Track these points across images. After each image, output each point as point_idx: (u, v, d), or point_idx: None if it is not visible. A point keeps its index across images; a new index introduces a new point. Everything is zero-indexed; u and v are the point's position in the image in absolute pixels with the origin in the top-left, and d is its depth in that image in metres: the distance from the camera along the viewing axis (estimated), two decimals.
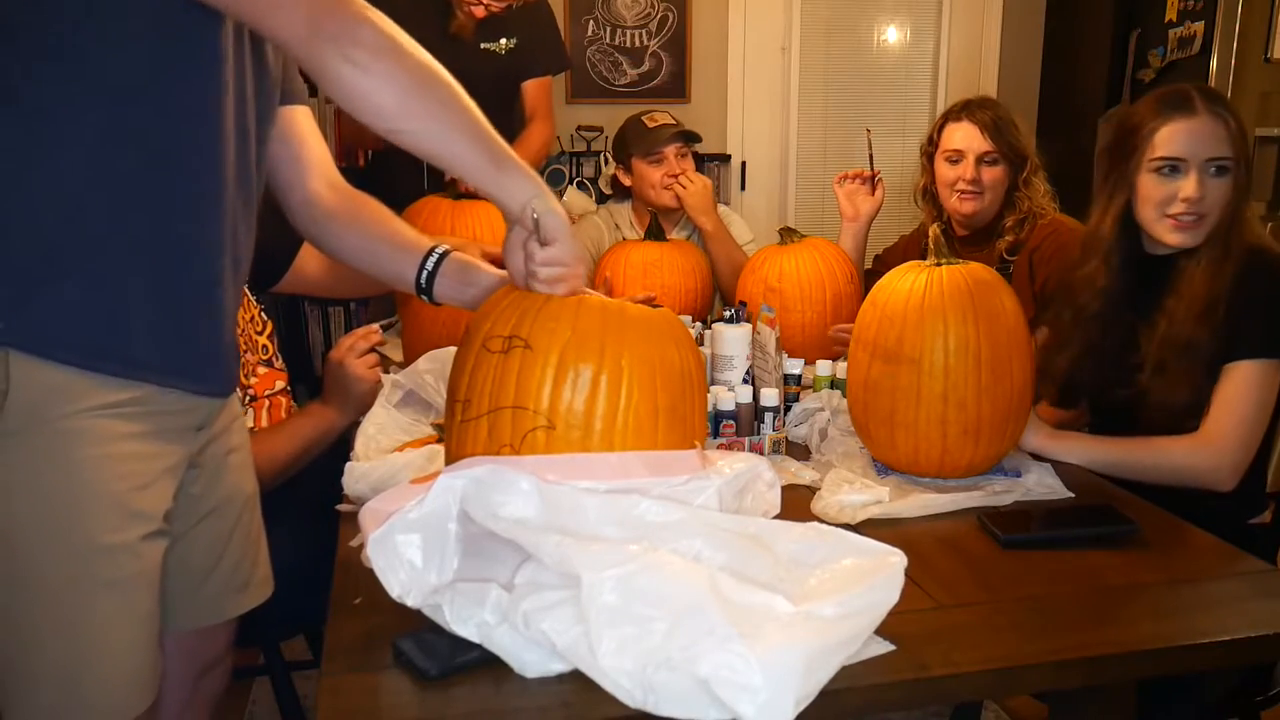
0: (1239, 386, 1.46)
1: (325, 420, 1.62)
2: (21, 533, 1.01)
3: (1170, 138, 1.51)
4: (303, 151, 1.31)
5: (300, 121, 1.32)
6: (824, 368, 1.78)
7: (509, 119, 2.75)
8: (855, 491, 1.35)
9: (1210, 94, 1.54)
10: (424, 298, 1.31)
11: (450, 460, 1.12)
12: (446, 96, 1.07)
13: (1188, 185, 1.49)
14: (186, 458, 1.15)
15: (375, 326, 1.71)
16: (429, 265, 1.29)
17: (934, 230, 1.49)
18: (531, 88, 2.77)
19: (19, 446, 1.00)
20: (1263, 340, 1.47)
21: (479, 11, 2.55)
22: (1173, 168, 1.51)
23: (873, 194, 2.32)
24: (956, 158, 2.12)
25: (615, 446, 1.06)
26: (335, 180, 1.34)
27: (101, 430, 1.02)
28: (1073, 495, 1.40)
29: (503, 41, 2.70)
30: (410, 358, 1.85)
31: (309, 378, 2.52)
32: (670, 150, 2.49)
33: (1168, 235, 1.53)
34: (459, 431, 1.10)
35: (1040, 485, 1.41)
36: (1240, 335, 1.47)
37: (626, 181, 2.59)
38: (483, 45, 2.67)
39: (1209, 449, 1.46)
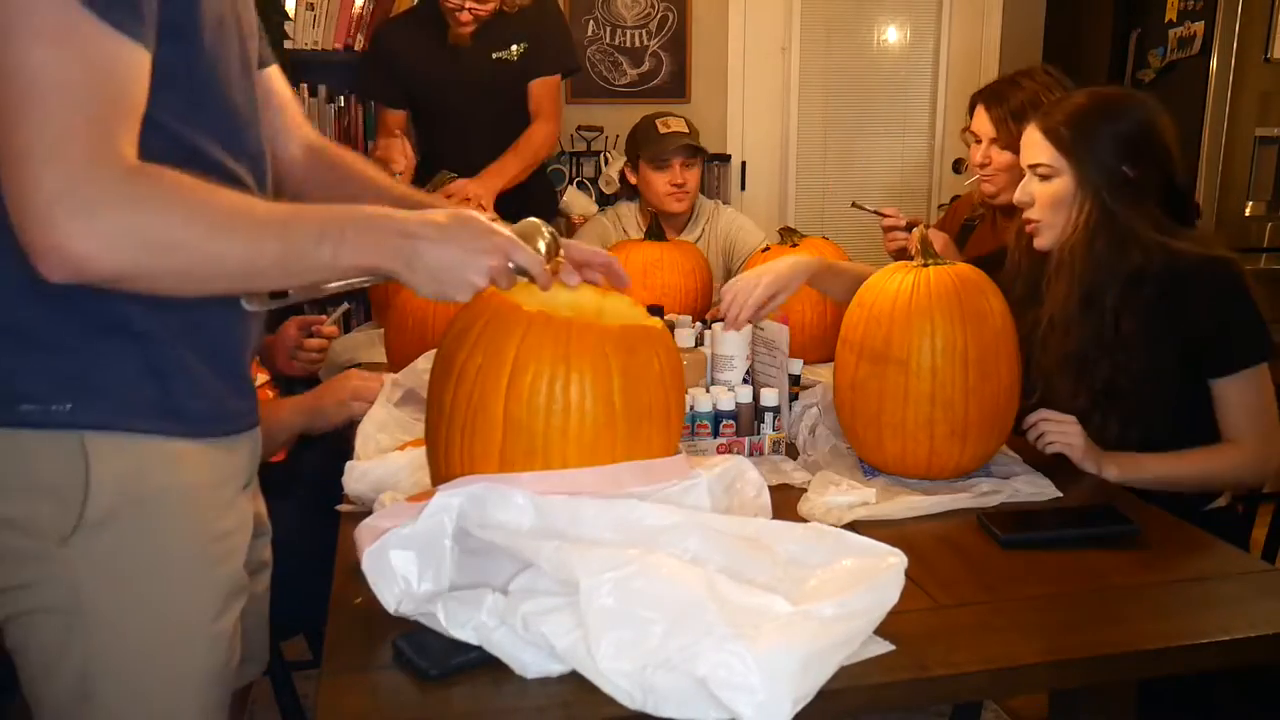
0: (1242, 400, 1.47)
1: (304, 403, 1.65)
2: (118, 623, 0.95)
3: None
4: (284, 116, 1.21)
5: (277, 82, 1.21)
6: None
7: (528, 122, 2.71)
8: (842, 493, 1.33)
9: (1075, 105, 1.53)
10: None
11: (434, 477, 1.13)
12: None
13: (1019, 190, 1.57)
14: (250, 526, 1.09)
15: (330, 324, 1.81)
16: None
17: (919, 231, 1.50)
18: (537, 86, 2.71)
19: (109, 534, 0.92)
20: (1237, 353, 1.47)
21: (464, 17, 2.53)
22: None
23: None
24: (973, 139, 2.13)
25: (570, 454, 1.03)
26: (310, 139, 1.24)
27: (189, 504, 0.96)
28: (1060, 495, 1.39)
29: (514, 48, 2.67)
30: (393, 359, 1.86)
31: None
32: (676, 160, 2.51)
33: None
34: (432, 444, 1.11)
35: (1028, 486, 1.40)
36: (1212, 354, 1.48)
37: (633, 179, 2.60)
38: (495, 55, 2.65)
39: (1252, 465, 1.48)
